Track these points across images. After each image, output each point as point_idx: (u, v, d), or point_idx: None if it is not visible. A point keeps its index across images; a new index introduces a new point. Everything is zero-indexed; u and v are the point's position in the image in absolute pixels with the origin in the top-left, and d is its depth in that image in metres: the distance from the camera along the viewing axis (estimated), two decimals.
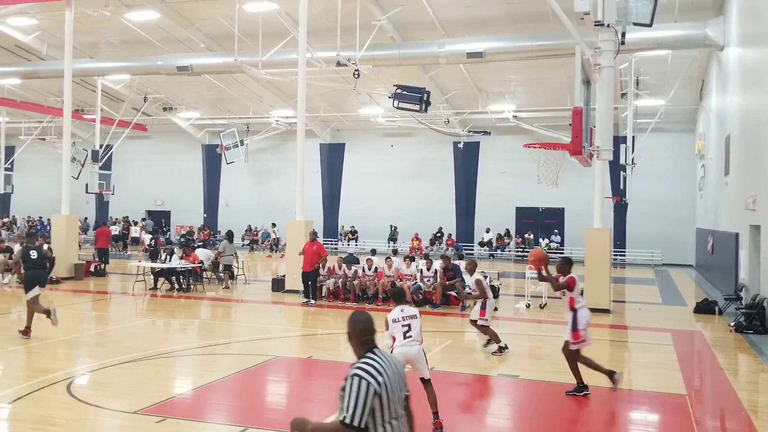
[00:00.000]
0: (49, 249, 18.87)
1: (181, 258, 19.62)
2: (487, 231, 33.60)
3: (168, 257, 19.52)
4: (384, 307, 16.47)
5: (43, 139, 36.12)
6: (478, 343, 12.33)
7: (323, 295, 17.46)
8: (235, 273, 20.96)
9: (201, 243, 30.42)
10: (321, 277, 17.51)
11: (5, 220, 40.26)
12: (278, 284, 19.02)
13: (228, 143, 32.57)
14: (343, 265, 17.95)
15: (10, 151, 36.41)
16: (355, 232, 35.18)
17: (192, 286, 19.12)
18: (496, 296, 17.10)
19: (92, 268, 22.04)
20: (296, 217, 18.76)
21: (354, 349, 3.95)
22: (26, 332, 12.31)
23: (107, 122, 31.33)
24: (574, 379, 8.96)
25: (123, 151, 35.43)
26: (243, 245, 35.25)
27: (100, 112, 29.68)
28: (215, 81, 29.62)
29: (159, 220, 39.24)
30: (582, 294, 9.30)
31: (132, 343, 12.28)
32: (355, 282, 17.40)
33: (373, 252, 20.02)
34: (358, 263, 18.48)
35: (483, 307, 11.38)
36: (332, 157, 36.37)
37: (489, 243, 33.46)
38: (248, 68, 22.87)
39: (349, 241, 34.39)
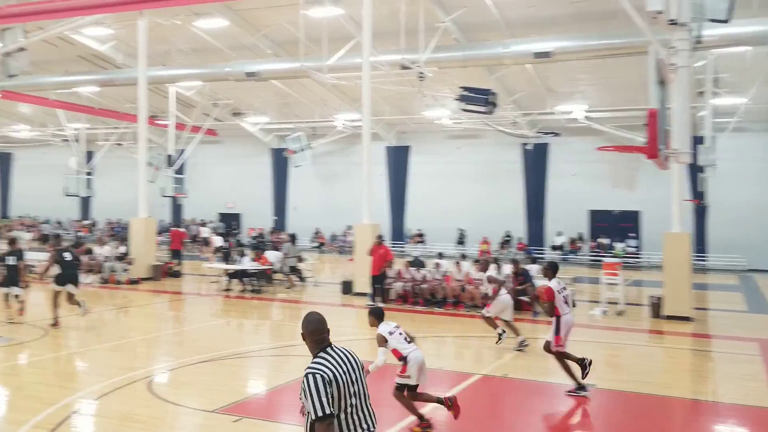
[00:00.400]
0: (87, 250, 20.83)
1: (253, 260, 19.98)
2: (559, 234, 32.94)
3: (239, 259, 19.92)
4: (453, 311, 16.37)
5: (120, 145, 37.43)
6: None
7: (392, 298, 17.46)
8: (304, 275, 21.23)
9: (271, 245, 30.89)
10: (389, 280, 17.53)
11: (87, 222, 41.91)
12: (348, 287, 19.14)
13: (295, 147, 32.98)
14: (411, 269, 17.91)
15: (90, 156, 37.84)
16: (422, 235, 35.10)
17: (263, 288, 19.44)
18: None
19: (168, 269, 22.66)
20: (363, 220, 18.83)
21: (309, 348, 4.12)
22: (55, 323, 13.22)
23: (180, 128, 32.23)
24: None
25: (196, 156, 36.35)
26: (312, 248, 35.62)
27: (174, 118, 30.55)
28: (282, 86, 30.05)
29: (230, 222, 40.12)
30: (567, 302, 9.39)
31: (208, 343, 12.56)
32: (424, 286, 17.34)
33: (440, 256, 19.91)
34: (424, 267, 18.41)
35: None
36: (398, 160, 36.39)
37: (561, 247, 32.82)
38: (313, 73, 23.09)
39: (416, 244, 34.31)
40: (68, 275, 13.41)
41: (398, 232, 36.00)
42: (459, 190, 34.61)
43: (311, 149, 34.09)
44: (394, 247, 32.60)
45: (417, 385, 7.56)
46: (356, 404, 4.04)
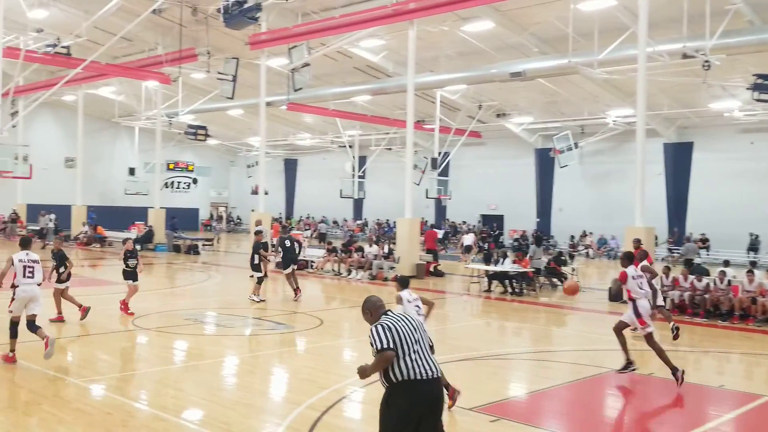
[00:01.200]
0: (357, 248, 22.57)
1: (514, 262, 19.68)
2: None
3: (501, 261, 19.76)
4: (741, 325, 14.50)
5: (390, 149, 39.58)
6: None
7: (667, 308, 15.95)
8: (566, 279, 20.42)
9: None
10: (664, 288, 16.05)
11: (359, 222, 45.04)
12: (619, 294, 17.90)
13: (561, 146, 31.99)
14: (690, 277, 16.23)
15: (362, 160, 40.57)
16: (706, 240, 31.82)
17: (525, 291, 19.05)
18: None
19: (431, 269, 23.29)
20: (635, 223, 17.58)
21: (373, 320, 5.23)
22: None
23: (445, 131, 33.09)
24: None
25: (459, 158, 37.08)
26: (579, 252, 34.26)
27: (439, 122, 31.44)
28: (548, 84, 29.32)
29: (492, 224, 40.29)
30: (642, 286, 9.87)
31: (467, 342, 12.56)
32: (706, 296, 15.59)
33: (726, 263, 17.79)
34: (708, 275, 16.56)
35: None
36: (678, 158, 33.39)
37: None
38: (583, 68, 22.16)
39: (699, 250, 31.15)
40: (289, 259, 17.02)
41: (678, 236, 33.03)
42: (752, 190, 30.69)
43: (579, 148, 32.83)
44: (672, 252, 30.13)
45: None
46: (418, 351, 5.07)
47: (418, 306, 8.48)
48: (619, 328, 9.94)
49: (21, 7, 22.15)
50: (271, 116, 36.17)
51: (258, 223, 22.33)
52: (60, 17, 26.01)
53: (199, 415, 7.66)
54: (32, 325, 9.60)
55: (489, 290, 19.43)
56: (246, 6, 20.04)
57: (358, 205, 46.48)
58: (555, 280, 20.41)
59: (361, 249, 23.10)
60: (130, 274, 13.98)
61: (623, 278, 9.96)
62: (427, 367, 5.03)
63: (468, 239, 29.67)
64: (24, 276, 9.52)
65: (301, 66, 24.59)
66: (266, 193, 28.63)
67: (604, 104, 31.19)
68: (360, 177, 39.06)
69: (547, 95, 31.62)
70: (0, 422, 7.15)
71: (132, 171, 39.15)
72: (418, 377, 4.97)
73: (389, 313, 5.23)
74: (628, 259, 10.36)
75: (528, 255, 20.26)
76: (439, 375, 5.13)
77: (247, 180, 47.84)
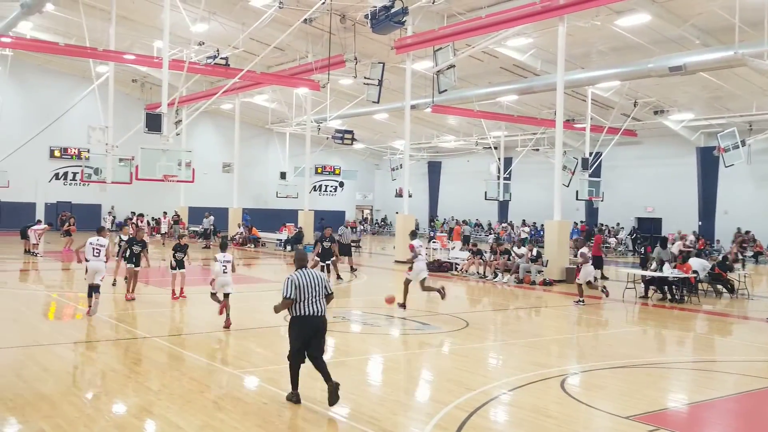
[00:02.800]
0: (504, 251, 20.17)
1: (674, 267, 18.46)
2: None
3: (659, 266, 18.59)
4: None
5: (537, 150, 38.60)
6: None
7: None
8: (735, 285, 18.88)
9: (696, 252, 28.37)
10: None
11: (504, 224, 44.28)
12: None
13: (726, 144, 29.66)
14: None
15: (508, 161, 39.86)
16: None
17: (686, 298, 17.80)
18: None
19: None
20: None
21: (295, 268, 7.88)
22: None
23: (596, 130, 31.78)
24: None
25: (612, 158, 35.50)
26: (748, 257, 31.64)
27: (590, 121, 30.25)
28: (711, 78, 27.33)
29: (648, 227, 38.20)
30: None
31: (623, 349, 11.95)
32: None
33: None
34: None
35: None
36: None
37: None
38: (751, 60, 20.48)
39: None
40: (326, 254, 19.66)
41: None
42: None
43: (746, 146, 30.33)
44: None
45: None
46: (310, 297, 7.63)
47: (224, 265, 11.89)
48: None
49: (185, 22, 23.73)
50: (415, 119, 36.52)
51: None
52: (219, 30, 27.67)
53: (348, 410, 7.74)
54: (92, 290, 12.69)
55: (646, 296, 18.34)
56: (393, 11, 20.25)
57: (504, 207, 45.75)
58: (720, 286, 18.95)
59: (507, 252, 22.64)
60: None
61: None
62: (315, 309, 7.68)
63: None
64: (92, 255, 12.89)
65: (446, 68, 24.53)
66: (410, 196, 28.82)
67: None
68: (505, 179, 38.40)
69: (710, 90, 29.54)
70: (165, 407, 7.60)
71: (283, 175, 40.86)
72: (308, 314, 7.64)
73: (303, 270, 7.80)
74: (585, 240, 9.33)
75: (651, 257, 19.07)
76: (323, 314, 7.74)
77: (392, 183, 48.54)
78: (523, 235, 32.38)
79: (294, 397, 7.76)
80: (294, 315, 7.68)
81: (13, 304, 14.97)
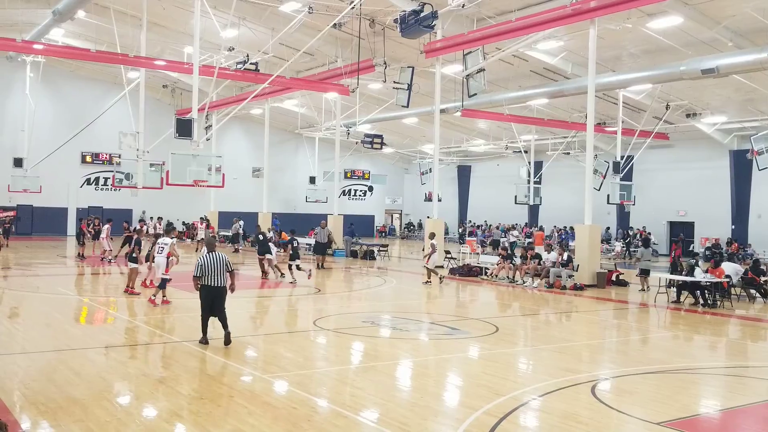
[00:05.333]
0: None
1: (706, 271, 18.20)
2: None
3: (690, 271, 18.34)
4: None
5: (567, 154, 38.28)
6: None
7: None
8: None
9: (728, 256, 27.94)
10: None
11: (533, 229, 43.96)
12: None
13: (760, 147, 29.24)
14: None
15: (538, 165, 39.61)
16: None
17: (719, 302, 17.53)
18: None
19: (614, 277, 22.17)
20: None
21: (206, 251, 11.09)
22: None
23: (628, 133, 31.44)
24: None
25: (643, 161, 35.08)
26: None
27: (621, 124, 29.95)
28: (744, 80, 26.88)
29: (680, 231, 37.66)
30: None
31: (654, 354, 11.86)
32: None
33: None
34: None
35: None
36: None
37: None
38: None
39: None
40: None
41: None
42: None
43: None
44: None
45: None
46: (212, 273, 10.73)
47: (162, 248, 14.91)
48: None
49: (215, 28, 24.01)
50: (444, 123, 36.44)
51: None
52: (249, 36, 27.94)
53: (377, 414, 7.77)
54: (164, 282, 14.95)
55: (678, 301, 18.11)
56: (422, 15, 20.29)
57: (534, 211, 45.46)
58: (753, 291, 18.64)
59: (538, 256, 22.50)
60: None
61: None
62: (215, 281, 10.77)
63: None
64: (157, 252, 15.34)
65: (475, 72, 24.47)
66: (440, 200, 28.80)
67: None
68: (536, 182, 38.17)
69: (743, 92, 29.06)
70: (197, 411, 7.71)
71: (312, 179, 41.10)
72: (210, 285, 10.77)
73: (212, 253, 10.92)
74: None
75: (636, 257, 18.74)
76: (221, 285, 10.82)
77: (421, 187, 48.53)
78: (512, 239, 31.64)
79: (204, 341, 10.98)
80: (202, 285, 10.82)
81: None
